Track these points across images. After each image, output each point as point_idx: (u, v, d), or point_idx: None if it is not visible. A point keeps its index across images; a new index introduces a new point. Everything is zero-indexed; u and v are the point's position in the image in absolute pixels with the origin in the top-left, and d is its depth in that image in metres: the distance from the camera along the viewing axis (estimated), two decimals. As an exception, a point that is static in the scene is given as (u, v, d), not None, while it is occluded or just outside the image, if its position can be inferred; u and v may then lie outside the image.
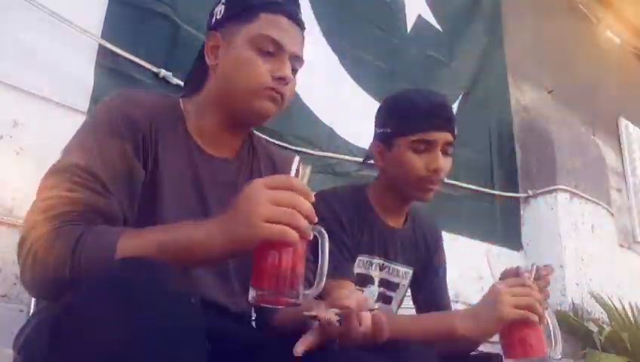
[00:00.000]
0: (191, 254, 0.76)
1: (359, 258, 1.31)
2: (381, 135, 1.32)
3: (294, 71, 1.03)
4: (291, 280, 0.74)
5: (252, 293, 0.75)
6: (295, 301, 0.75)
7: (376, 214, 1.34)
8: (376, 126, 1.35)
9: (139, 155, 0.92)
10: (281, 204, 0.72)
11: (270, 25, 0.99)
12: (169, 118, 0.99)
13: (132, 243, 0.77)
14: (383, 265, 1.36)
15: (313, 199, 0.75)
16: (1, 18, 1.59)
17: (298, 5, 1.06)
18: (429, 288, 1.46)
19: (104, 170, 0.86)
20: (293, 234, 0.72)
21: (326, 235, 0.78)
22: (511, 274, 1.15)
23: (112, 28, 1.81)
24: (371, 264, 1.33)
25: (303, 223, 0.72)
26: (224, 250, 0.75)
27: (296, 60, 1.02)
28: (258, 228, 0.71)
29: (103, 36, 1.79)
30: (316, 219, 0.75)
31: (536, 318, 1.05)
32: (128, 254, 0.75)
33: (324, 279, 0.77)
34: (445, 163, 1.26)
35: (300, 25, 1.04)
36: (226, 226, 0.75)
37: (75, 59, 1.73)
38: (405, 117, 1.27)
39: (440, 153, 1.25)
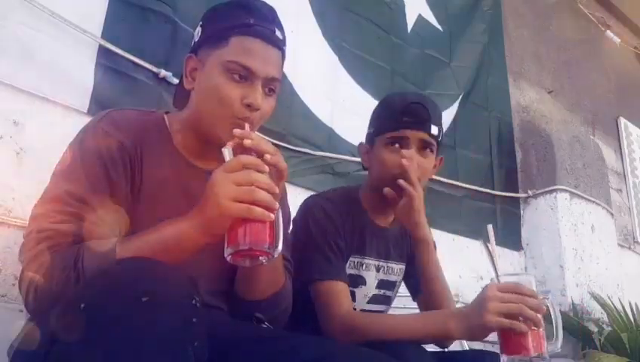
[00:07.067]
0: (179, 247, 0.84)
1: (350, 259, 1.32)
2: (367, 136, 1.38)
3: (272, 90, 1.01)
4: (265, 233, 0.79)
5: (228, 251, 0.80)
6: (269, 252, 0.80)
7: (367, 215, 1.36)
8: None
9: (126, 178, 0.95)
10: (241, 183, 0.80)
11: (240, 50, 0.96)
12: (155, 135, 1.01)
13: (128, 246, 0.82)
14: (378, 265, 1.37)
15: (267, 169, 0.83)
16: (1, 18, 1.59)
17: (275, 23, 1.01)
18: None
19: (93, 197, 0.89)
20: (258, 211, 0.79)
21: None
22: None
23: (112, 28, 1.81)
24: (362, 264, 1.34)
25: (264, 196, 0.80)
26: (204, 236, 0.83)
27: (272, 81, 1.00)
28: (225, 207, 0.79)
29: (103, 36, 1.79)
30: (277, 190, 0.82)
31: (523, 327, 1.02)
32: (127, 256, 0.79)
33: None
34: (422, 161, 1.26)
35: (277, 45, 1.00)
36: (199, 214, 0.83)
37: (75, 59, 1.72)
38: (381, 117, 1.34)
39: (414, 150, 1.26)
